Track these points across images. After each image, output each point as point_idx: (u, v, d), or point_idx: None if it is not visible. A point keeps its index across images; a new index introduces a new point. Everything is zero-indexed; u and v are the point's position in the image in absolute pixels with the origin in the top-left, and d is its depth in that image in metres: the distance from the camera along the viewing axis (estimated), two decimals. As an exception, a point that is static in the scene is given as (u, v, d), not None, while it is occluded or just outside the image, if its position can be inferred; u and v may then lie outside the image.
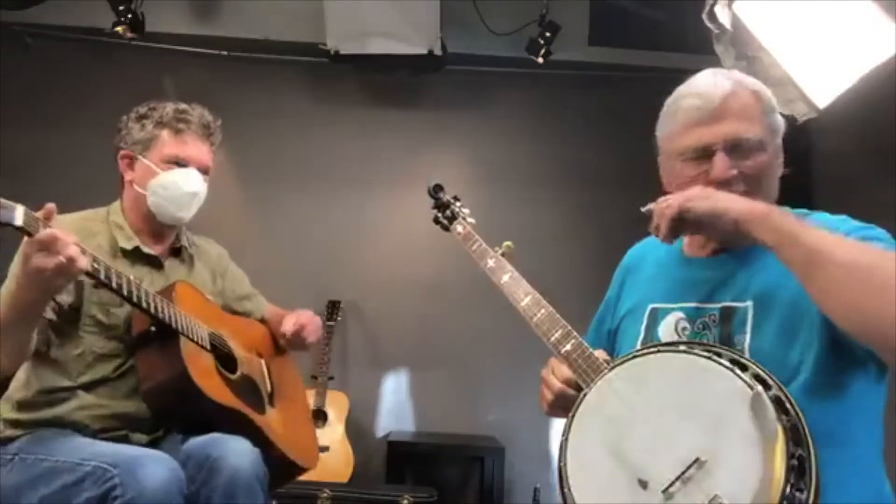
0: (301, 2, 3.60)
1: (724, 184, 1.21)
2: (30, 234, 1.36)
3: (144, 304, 1.57)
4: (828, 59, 2.00)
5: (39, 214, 1.39)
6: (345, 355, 3.81)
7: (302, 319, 1.97)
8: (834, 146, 3.43)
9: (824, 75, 2.02)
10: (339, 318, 3.67)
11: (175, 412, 1.62)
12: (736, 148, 1.22)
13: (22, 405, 1.67)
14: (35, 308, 1.50)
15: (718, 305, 1.26)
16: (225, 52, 3.84)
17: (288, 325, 1.95)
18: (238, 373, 1.81)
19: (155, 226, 1.82)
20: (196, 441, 1.58)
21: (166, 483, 1.41)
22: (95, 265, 1.47)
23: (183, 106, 1.84)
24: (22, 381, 1.70)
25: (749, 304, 1.22)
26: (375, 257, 3.88)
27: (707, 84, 1.26)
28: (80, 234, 1.64)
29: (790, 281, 1.12)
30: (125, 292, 1.54)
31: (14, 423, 1.66)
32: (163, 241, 1.85)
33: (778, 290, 1.20)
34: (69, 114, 3.74)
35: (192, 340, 1.66)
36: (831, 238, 1.08)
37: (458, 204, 1.82)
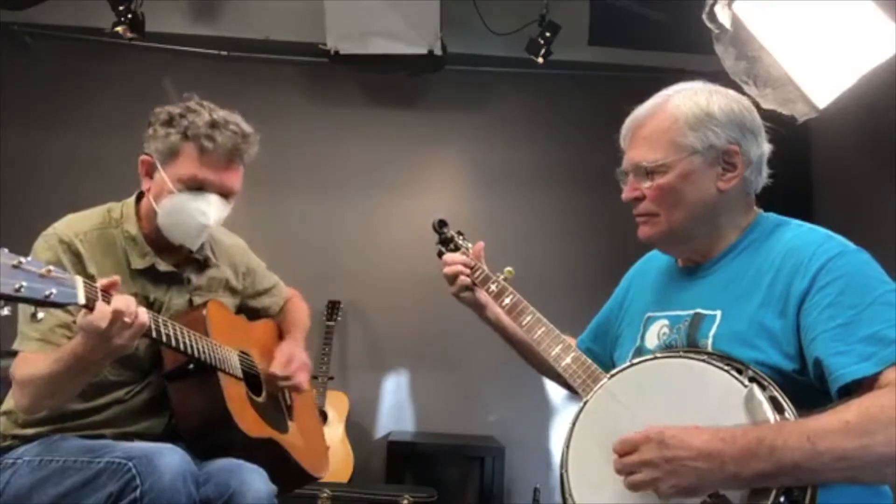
0: (301, 2, 3.60)
1: (631, 203, 1.35)
2: (90, 308, 1.30)
3: (190, 351, 1.55)
4: (828, 59, 2.00)
5: (100, 285, 1.33)
6: (345, 355, 3.81)
7: (291, 367, 1.85)
8: (834, 146, 3.43)
9: (824, 75, 2.02)
10: (339, 318, 3.67)
11: (208, 444, 1.62)
12: (638, 172, 1.33)
13: (28, 423, 1.61)
14: (103, 365, 1.48)
15: (692, 312, 1.30)
16: (225, 52, 3.84)
17: (276, 368, 1.83)
18: (264, 393, 1.81)
19: (169, 241, 1.70)
20: (216, 465, 1.58)
21: (182, 471, 1.41)
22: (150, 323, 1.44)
23: (218, 117, 1.65)
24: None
25: (718, 312, 1.26)
26: (376, 257, 3.87)
27: (636, 111, 1.36)
28: (102, 249, 1.64)
29: (757, 295, 1.20)
30: (173, 343, 1.51)
31: (18, 437, 1.61)
32: (181, 249, 1.72)
33: (745, 302, 1.23)
34: (69, 114, 3.73)
35: (228, 374, 1.66)
36: (804, 448, 1.01)
37: (461, 238, 1.85)
